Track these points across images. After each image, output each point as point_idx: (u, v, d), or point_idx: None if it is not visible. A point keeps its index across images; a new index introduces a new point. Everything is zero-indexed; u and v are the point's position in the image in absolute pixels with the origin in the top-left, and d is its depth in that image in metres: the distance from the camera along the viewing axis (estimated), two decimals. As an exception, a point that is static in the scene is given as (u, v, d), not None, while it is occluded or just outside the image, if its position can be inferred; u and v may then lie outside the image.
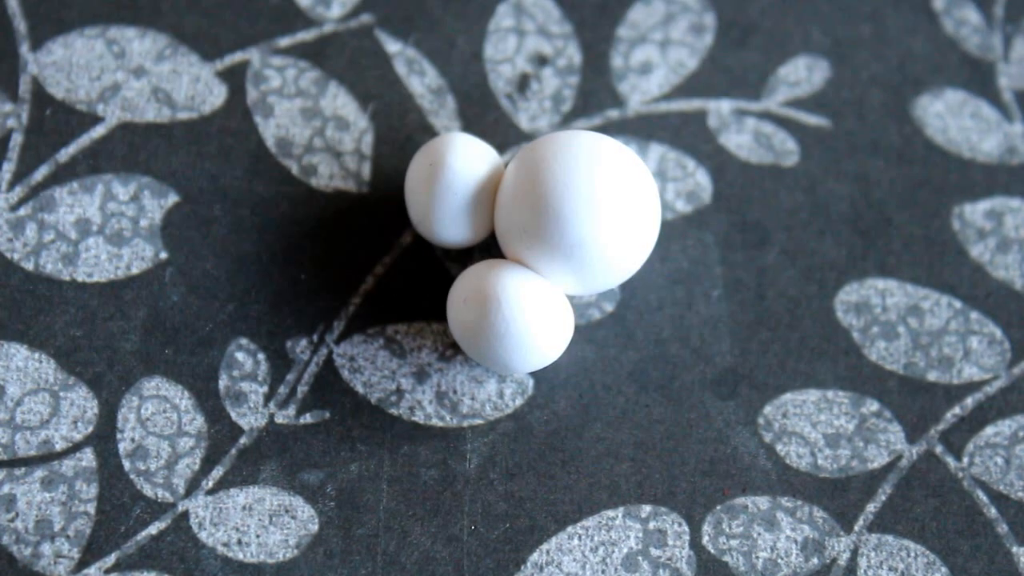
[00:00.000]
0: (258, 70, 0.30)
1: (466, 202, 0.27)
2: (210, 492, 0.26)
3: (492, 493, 0.27)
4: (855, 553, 0.26)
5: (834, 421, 0.27)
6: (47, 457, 0.27)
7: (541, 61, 0.30)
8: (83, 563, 0.26)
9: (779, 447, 0.27)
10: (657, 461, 0.27)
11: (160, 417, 0.27)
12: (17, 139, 0.29)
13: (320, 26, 0.30)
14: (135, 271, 0.28)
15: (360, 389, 0.27)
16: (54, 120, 0.29)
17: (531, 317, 0.26)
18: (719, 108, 0.30)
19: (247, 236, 0.28)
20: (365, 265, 0.28)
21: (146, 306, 0.28)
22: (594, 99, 0.30)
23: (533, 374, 0.27)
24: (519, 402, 0.27)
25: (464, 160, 0.27)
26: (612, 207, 0.25)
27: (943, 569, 0.26)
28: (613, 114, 0.30)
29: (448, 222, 0.27)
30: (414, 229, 0.28)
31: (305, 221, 0.28)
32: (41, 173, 0.29)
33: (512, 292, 0.26)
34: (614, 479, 0.27)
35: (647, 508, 0.26)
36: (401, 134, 0.29)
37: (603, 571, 0.26)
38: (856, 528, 0.26)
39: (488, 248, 0.28)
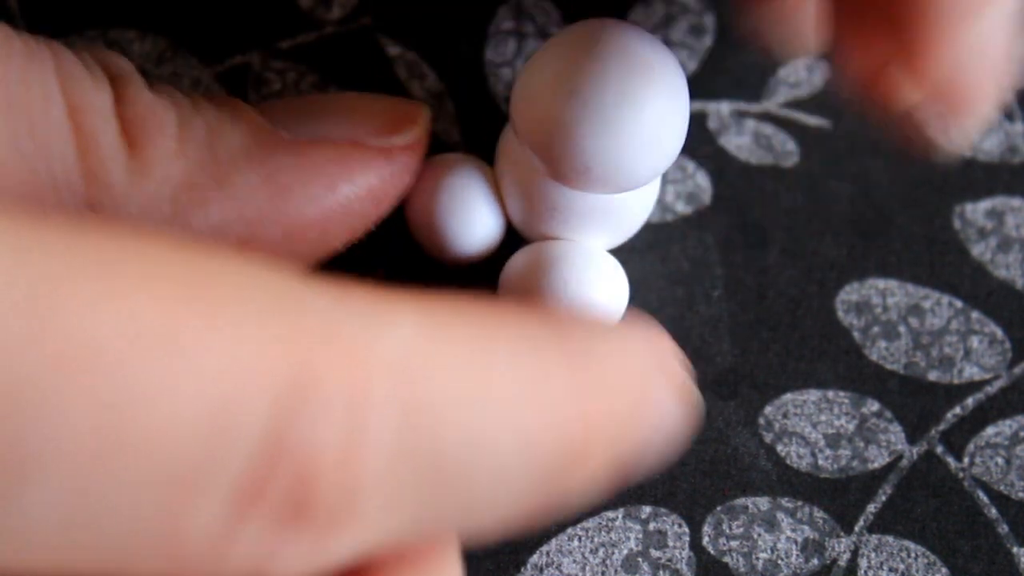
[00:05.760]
0: (259, 73, 0.30)
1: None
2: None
3: (492, 494, 0.26)
4: (855, 554, 0.26)
5: (835, 421, 0.27)
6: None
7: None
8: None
9: (779, 447, 0.27)
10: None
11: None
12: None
13: (320, 28, 0.30)
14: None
15: (359, 391, 0.27)
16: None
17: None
18: (719, 110, 0.30)
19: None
20: (366, 269, 0.28)
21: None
22: (594, 101, 0.30)
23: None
24: (519, 403, 0.27)
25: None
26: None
27: (943, 570, 0.26)
28: (613, 115, 0.30)
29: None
30: (415, 232, 0.28)
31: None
32: (42, 177, 0.29)
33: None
34: (614, 480, 0.27)
35: (647, 509, 0.26)
36: (402, 137, 0.30)
37: (603, 572, 0.26)
38: (856, 529, 0.26)
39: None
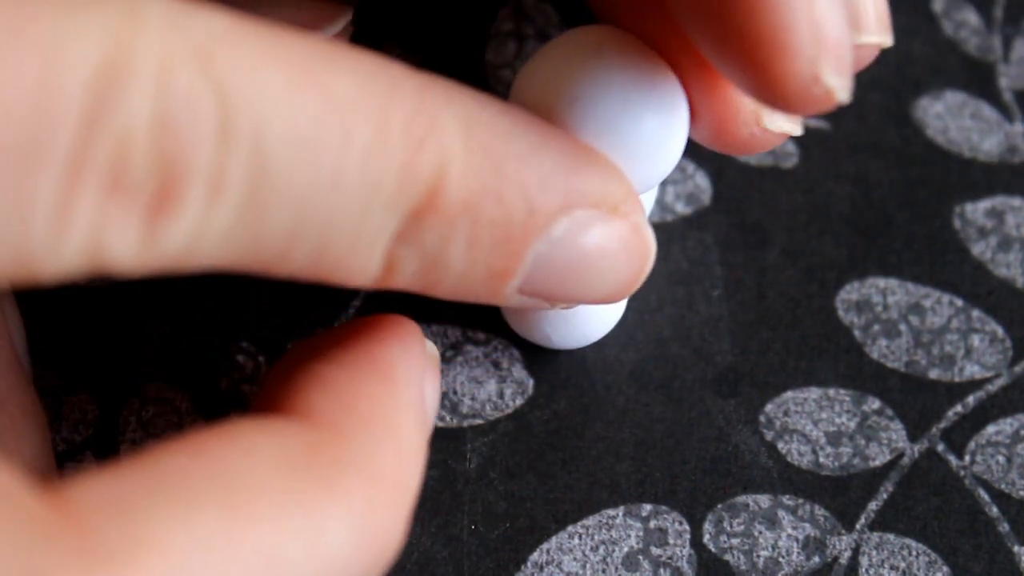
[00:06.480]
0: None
1: None
2: (210, 491, 0.26)
3: (492, 493, 0.26)
4: (856, 551, 0.26)
5: (835, 419, 0.27)
6: (47, 459, 0.27)
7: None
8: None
9: (780, 445, 0.27)
10: (658, 460, 0.27)
11: (161, 420, 0.27)
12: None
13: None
14: (136, 272, 0.28)
15: (360, 389, 0.27)
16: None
17: None
18: (719, 110, 0.30)
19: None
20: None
21: (147, 308, 0.28)
22: (594, 101, 0.30)
23: (533, 374, 0.27)
24: (519, 402, 0.27)
25: None
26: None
27: (944, 568, 0.26)
28: (613, 116, 0.30)
29: None
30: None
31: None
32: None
33: None
34: (614, 478, 0.27)
35: (648, 507, 0.26)
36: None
37: (604, 570, 0.26)
38: (857, 526, 0.26)
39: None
